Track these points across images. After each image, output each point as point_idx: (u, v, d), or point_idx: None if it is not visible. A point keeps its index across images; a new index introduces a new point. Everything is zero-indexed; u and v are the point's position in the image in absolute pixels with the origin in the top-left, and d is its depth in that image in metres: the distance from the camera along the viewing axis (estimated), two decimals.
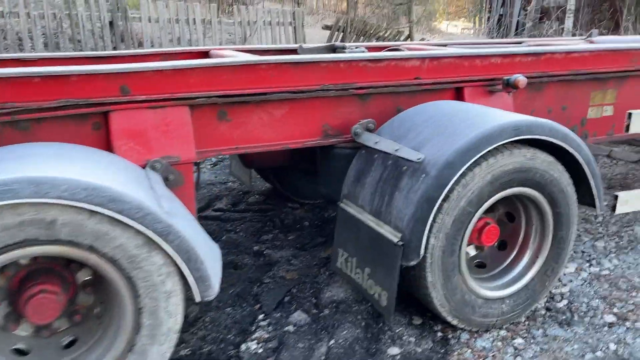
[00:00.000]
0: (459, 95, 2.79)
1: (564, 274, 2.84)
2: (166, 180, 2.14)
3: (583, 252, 3.10)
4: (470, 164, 2.06)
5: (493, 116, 2.20)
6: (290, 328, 2.29)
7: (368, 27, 10.48)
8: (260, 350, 2.15)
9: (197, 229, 1.88)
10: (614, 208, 2.63)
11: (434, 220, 2.06)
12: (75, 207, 1.52)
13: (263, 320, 2.36)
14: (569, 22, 13.88)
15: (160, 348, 1.75)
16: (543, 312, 2.50)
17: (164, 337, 1.75)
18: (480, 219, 2.28)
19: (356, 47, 3.35)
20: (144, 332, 1.72)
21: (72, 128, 2.06)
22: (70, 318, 1.81)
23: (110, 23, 8.55)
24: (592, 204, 2.40)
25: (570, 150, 2.23)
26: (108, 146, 2.11)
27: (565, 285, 2.73)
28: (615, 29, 12.38)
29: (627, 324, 2.39)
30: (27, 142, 1.95)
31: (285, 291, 2.59)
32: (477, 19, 21.41)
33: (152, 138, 2.17)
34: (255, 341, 2.21)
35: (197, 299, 1.73)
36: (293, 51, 3.40)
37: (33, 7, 7.79)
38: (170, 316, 1.74)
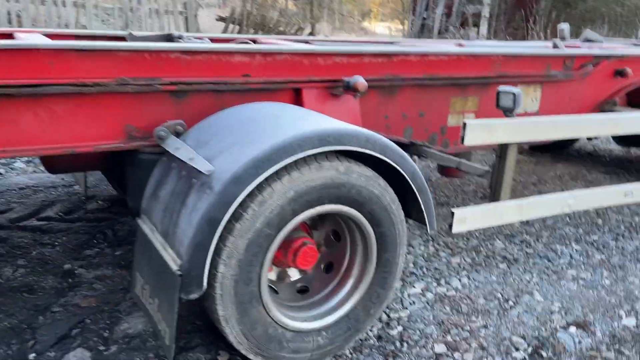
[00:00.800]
0: (297, 97, 2.49)
1: (408, 295, 2.61)
2: None
3: (436, 269, 2.90)
4: (267, 179, 1.75)
5: (302, 123, 1.90)
6: None
7: (267, 21, 10.10)
8: None
9: None
10: (450, 226, 2.42)
11: (221, 245, 1.73)
12: None
13: None
14: (483, 29, 14.25)
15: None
16: (372, 341, 2.25)
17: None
18: (295, 239, 1.99)
19: (198, 38, 3.00)
20: None
21: None
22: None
23: None
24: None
25: (392, 163, 1.98)
26: None
27: (405, 308, 2.50)
28: (526, 36, 12.77)
29: (456, 355, 2.18)
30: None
31: (75, 322, 2.17)
32: (405, 21, 21.77)
33: None
34: None
35: None
36: (123, 39, 2.98)
37: None
38: None
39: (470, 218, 2.43)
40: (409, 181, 2.04)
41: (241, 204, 1.73)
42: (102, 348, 2.03)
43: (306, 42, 3.71)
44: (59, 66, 1.96)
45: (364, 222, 2.02)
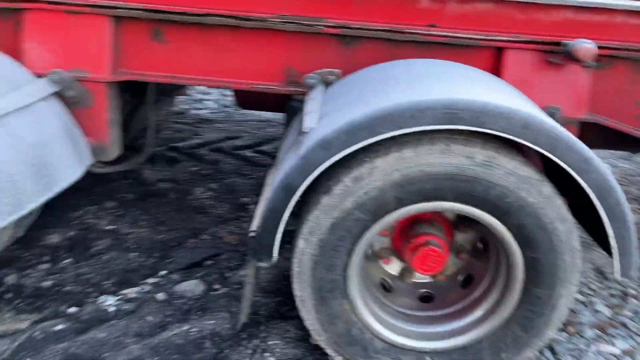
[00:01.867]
0: (496, 61, 1.95)
1: (598, 352, 1.89)
2: (62, 96, 1.92)
3: None
4: (367, 151, 1.39)
5: (442, 88, 1.43)
6: (161, 296, 1.95)
7: None
8: (111, 309, 1.88)
9: None
10: None
11: (304, 217, 1.47)
12: None
13: (156, 276, 2.07)
14: None
15: None
16: None
17: None
18: (420, 234, 1.59)
19: None
20: None
21: None
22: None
23: None
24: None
25: (564, 165, 1.35)
26: (17, 48, 1.96)
27: None
28: None
29: None
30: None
31: (211, 254, 2.23)
32: None
33: (61, 46, 1.95)
34: (119, 297, 1.94)
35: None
36: None
37: None
38: None
39: None
40: (594, 198, 1.38)
41: (331, 176, 1.43)
42: (216, 287, 2.03)
43: None
44: None
45: (507, 238, 1.47)
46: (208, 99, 4.25)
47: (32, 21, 1.93)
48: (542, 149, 1.34)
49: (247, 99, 2.59)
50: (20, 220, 1.74)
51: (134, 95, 2.50)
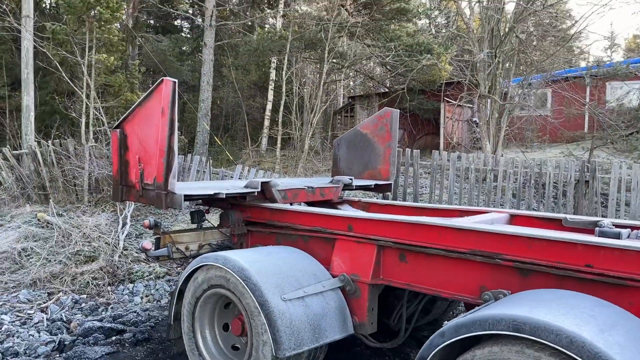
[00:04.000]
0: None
1: None
2: (343, 289, 3.22)
3: None
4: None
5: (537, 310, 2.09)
6: None
7: None
8: None
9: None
10: None
11: None
12: None
13: None
14: None
15: None
16: None
17: None
18: None
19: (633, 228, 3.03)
20: None
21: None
22: None
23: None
24: None
25: None
26: (328, 259, 3.41)
27: None
28: None
29: None
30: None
31: None
32: None
33: (349, 259, 3.30)
34: None
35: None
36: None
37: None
38: None
39: None
40: None
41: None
42: None
43: None
44: (439, 237, 2.95)
45: None
46: None
47: (339, 245, 3.40)
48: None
49: None
50: None
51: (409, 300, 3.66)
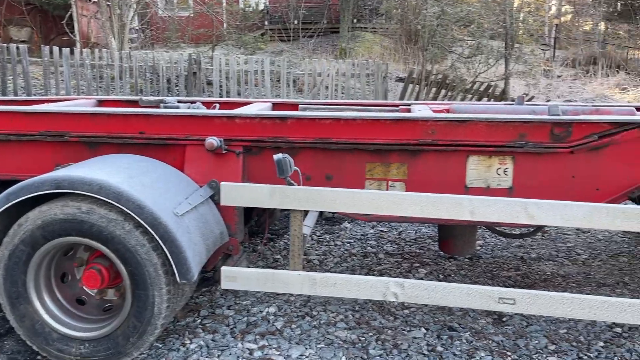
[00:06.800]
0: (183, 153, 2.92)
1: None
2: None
3: None
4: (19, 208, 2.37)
5: (83, 170, 2.43)
6: None
7: (449, 80, 9.82)
8: None
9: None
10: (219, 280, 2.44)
11: None
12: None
13: None
14: None
15: None
16: None
17: None
18: (88, 263, 2.51)
19: (192, 103, 3.68)
20: None
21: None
22: None
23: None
24: None
25: (125, 209, 2.29)
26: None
27: None
28: None
29: None
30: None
31: None
32: None
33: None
34: None
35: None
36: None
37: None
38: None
39: (241, 278, 2.40)
40: (149, 229, 2.30)
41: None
42: None
43: None
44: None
45: (114, 258, 2.37)
46: None
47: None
48: (109, 199, 2.30)
49: None
50: None
51: None
